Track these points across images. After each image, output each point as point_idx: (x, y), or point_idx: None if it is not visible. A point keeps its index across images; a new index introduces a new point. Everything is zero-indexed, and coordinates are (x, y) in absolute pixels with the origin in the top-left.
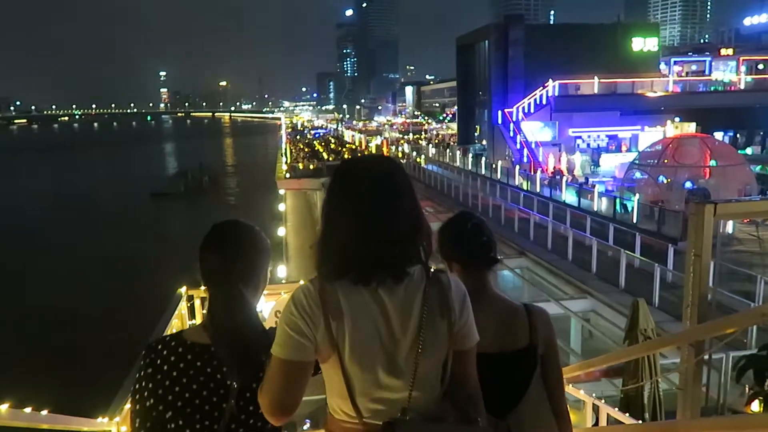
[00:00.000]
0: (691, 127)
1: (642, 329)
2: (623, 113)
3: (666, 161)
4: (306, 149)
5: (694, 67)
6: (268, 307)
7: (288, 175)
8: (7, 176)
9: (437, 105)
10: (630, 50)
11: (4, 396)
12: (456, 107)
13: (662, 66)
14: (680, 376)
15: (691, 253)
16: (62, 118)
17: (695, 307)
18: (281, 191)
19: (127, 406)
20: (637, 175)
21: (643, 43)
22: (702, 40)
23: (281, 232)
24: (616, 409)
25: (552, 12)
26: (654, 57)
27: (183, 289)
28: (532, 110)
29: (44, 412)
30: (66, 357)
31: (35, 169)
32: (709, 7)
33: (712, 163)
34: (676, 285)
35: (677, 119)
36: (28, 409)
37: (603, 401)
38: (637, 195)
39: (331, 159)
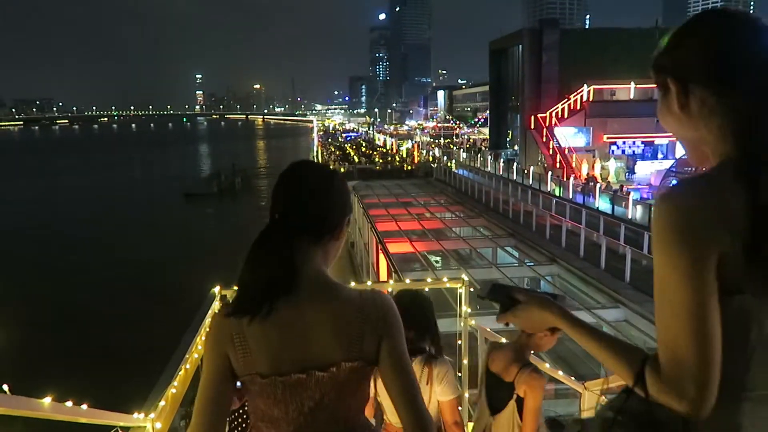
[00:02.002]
0: None
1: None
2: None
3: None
4: (337, 152)
5: None
6: None
7: None
8: (50, 174)
9: (469, 109)
10: None
11: (45, 390)
12: (488, 112)
13: None
14: None
15: None
16: (102, 119)
17: None
18: None
19: (162, 403)
20: (674, 182)
21: None
22: None
23: None
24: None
25: (587, 16)
26: None
27: (216, 289)
28: (565, 115)
29: (84, 407)
30: (102, 354)
31: (76, 167)
32: (751, 9)
33: None
34: None
35: None
36: (69, 403)
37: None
38: None
39: (362, 162)
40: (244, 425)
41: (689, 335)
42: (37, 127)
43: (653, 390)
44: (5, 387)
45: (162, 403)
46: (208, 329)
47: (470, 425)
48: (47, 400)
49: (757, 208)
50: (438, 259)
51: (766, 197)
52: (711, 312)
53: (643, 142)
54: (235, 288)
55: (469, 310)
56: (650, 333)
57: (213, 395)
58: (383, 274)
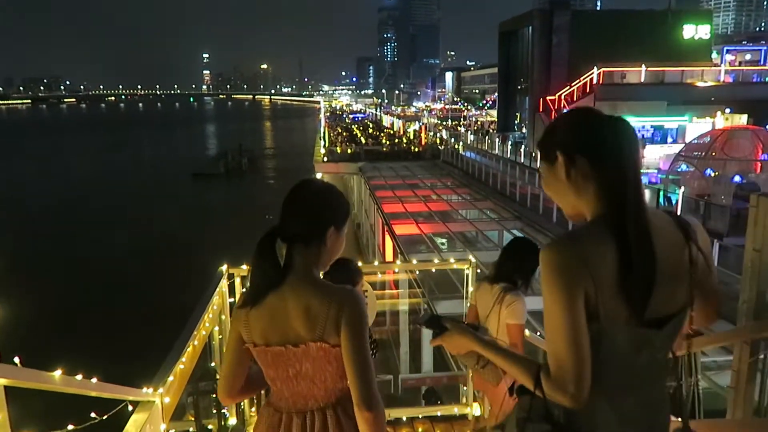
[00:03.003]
0: (742, 119)
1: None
2: (670, 103)
3: (714, 154)
4: (344, 133)
5: (748, 57)
6: None
7: (326, 159)
8: (58, 153)
9: (477, 91)
10: (680, 38)
11: (55, 364)
12: (496, 94)
13: (714, 55)
14: (732, 374)
15: (750, 248)
16: (109, 98)
17: (752, 304)
18: (318, 174)
19: (170, 378)
20: (683, 167)
21: (694, 31)
22: (758, 29)
23: None
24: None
25: None
26: (706, 45)
27: (224, 267)
28: (575, 98)
29: (93, 380)
30: (111, 331)
31: (84, 146)
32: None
33: (765, 157)
34: (721, 281)
35: (728, 110)
36: (78, 377)
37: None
38: (682, 188)
39: (369, 143)
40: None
41: (567, 349)
42: (45, 106)
43: (546, 390)
44: (16, 359)
45: (170, 378)
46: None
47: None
48: (57, 373)
49: (623, 248)
50: (444, 241)
51: (632, 237)
52: (581, 332)
53: (652, 126)
54: (243, 267)
55: None
56: None
57: (233, 358)
58: (389, 256)
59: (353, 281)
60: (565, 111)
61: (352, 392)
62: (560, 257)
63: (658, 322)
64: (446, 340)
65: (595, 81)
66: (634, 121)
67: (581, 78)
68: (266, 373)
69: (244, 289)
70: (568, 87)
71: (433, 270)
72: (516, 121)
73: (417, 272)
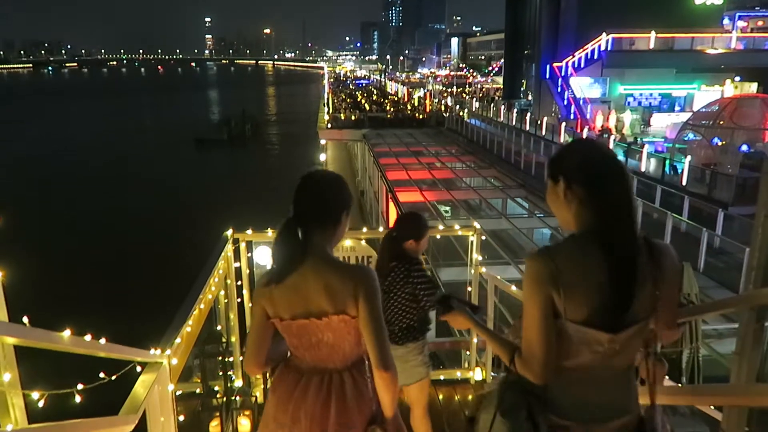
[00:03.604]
0: (752, 88)
1: (686, 294)
2: (679, 71)
3: (722, 122)
4: (348, 100)
5: (760, 23)
6: None
7: (329, 126)
8: (60, 119)
9: (483, 58)
10: (691, 4)
11: (63, 326)
12: (502, 60)
13: (726, 21)
14: (738, 340)
15: (761, 214)
16: (111, 63)
17: (760, 270)
18: (322, 141)
19: (177, 341)
20: (690, 135)
21: None
22: None
23: None
24: None
25: None
26: (717, 11)
27: (229, 232)
28: (582, 65)
29: (102, 341)
30: (117, 294)
31: (86, 112)
32: None
33: None
34: (724, 251)
35: (737, 78)
36: (87, 337)
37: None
38: (689, 157)
39: (373, 110)
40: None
41: (535, 338)
42: (47, 70)
43: (519, 368)
44: (25, 319)
45: (177, 340)
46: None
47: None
48: (66, 333)
49: (610, 260)
50: (448, 209)
51: (618, 252)
52: (548, 326)
53: (660, 94)
54: (248, 233)
55: (480, 258)
56: None
57: (258, 331)
58: (392, 223)
59: (419, 235)
60: (574, 140)
61: (370, 356)
62: (534, 268)
63: (614, 328)
64: (450, 317)
65: (603, 48)
66: (642, 89)
67: (588, 45)
68: (290, 341)
69: (250, 255)
70: (576, 54)
71: (438, 236)
72: (522, 88)
73: None
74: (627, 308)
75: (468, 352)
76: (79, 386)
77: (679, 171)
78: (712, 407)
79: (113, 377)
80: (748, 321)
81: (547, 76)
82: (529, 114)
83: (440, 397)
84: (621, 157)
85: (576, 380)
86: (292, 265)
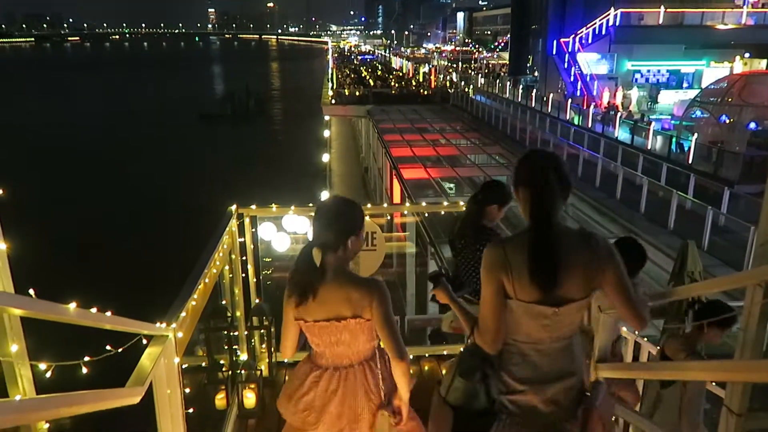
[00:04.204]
0: (762, 64)
1: (689, 272)
2: (688, 47)
3: (730, 100)
4: (352, 75)
5: None
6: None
7: (333, 101)
8: (63, 94)
9: (489, 33)
10: None
11: (69, 299)
12: (509, 36)
13: None
14: (743, 316)
15: None
16: (113, 37)
17: (767, 246)
18: (326, 117)
19: (183, 314)
20: (698, 113)
21: None
22: None
23: (325, 158)
24: (658, 347)
25: None
26: None
27: (233, 207)
28: (589, 41)
29: (108, 314)
30: (122, 269)
31: (88, 87)
32: None
33: None
34: (729, 230)
35: (747, 55)
36: (93, 310)
37: (645, 339)
38: (696, 134)
39: (377, 86)
40: None
41: (488, 314)
42: (49, 45)
43: (476, 339)
44: (31, 291)
45: (183, 314)
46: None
47: None
48: (72, 306)
49: (528, 249)
50: (452, 185)
51: (535, 243)
52: (498, 305)
53: (668, 71)
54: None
55: None
56: (661, 264)
57: (287, 327)
58: (396, 200)
59: (504, 201)
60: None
61: (387, 350)
62: (488, 257)
63: (555, 303)
64: (436, 291)
65: (611, 23)
66: (650, 66)
67: (596, 20)
68: (311, 340)
69: (255, 230)
70: (584, 29)
71: (442, 212)
72: (528, 64)
73: (425, 215)
74: (550, 287)
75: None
76: (86, 358)
77: (686, 149)
78: (714, 383)
79: (119, 350)
80: (754, 297)
81: (554, 52)
82: (535, 90)
83: (443, 372)
84: (627, 135)
85: (527, 350)
86: (313, 284)
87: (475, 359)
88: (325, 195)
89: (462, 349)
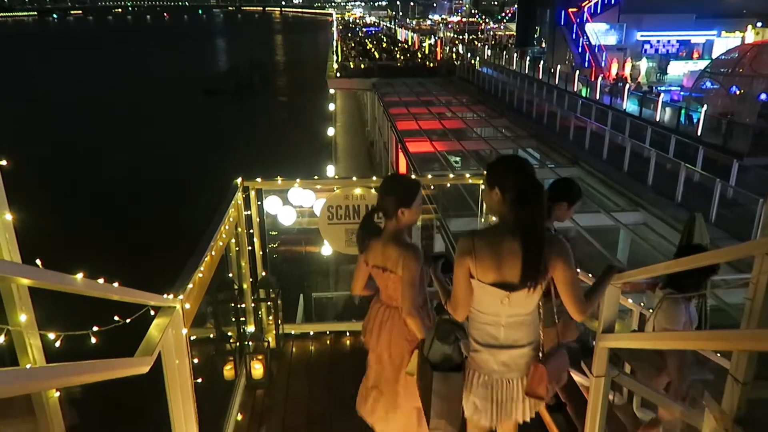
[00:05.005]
0: None
1: (696, 244)
2: (699, 16)
3: (741, 70)
4: (357, 48)
5: None
6: (319, 204)
7: (338, 75)
8: (67, 67)
9: (496, 3)
10: None
11: (76, 269)
12: (516, 6)
13: None
14: (750, 286)
15: None
16: (116, 10)
17: None
18: (331, 91)
19: (190, 286)
20: (708, 84)
21: None
22: None
23: (330, 132)
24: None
25: None
26: None
27: (239, 180)
28: (598, 10)
29: (115, 284)
30: (126, 243)
31: (92, 60)
32: None
33: None
34: (737, 202)
35: (759, 24)
36: (101, 281)
37: (650, 311)
38: (705, 106)
39: (383, 58)
40: None
41: (456, 291)
42: (51, 18)
43: (449, 309)
44: (38, 261)
45: (190, 286)
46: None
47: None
48: (79, 276)
49: (524, 245)
50: (458, 159)
51: (529, 241)
52: (465, 283)
53: (678, 41)
54: (258, 180)
55: None
56: (668, 236)
57: (358, 268)
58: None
59: (573, 198)
60: (507, 158)
61: (401, 305)
62: (460, 244)
63: (509, 289)
64: (432, 269)
65: None
66: (660, 36)
67: None
68: (376, 280)
69: (261, 203)
70: None
71: (448, 185)
72: (536, 36)
73: (431, 187)
74: (533, 277)
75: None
76: (95, 328)
77: (695, 121)
78: (718, 354)
79: (128, 320)
80: (761, 266)
81: (562, 23)
82: (542, 62)
83: None
84: (635, 107)
85: (488, 320)
86: (369, 239)
87: (450, 326)
88: (330, 169)
89: (439, 319)
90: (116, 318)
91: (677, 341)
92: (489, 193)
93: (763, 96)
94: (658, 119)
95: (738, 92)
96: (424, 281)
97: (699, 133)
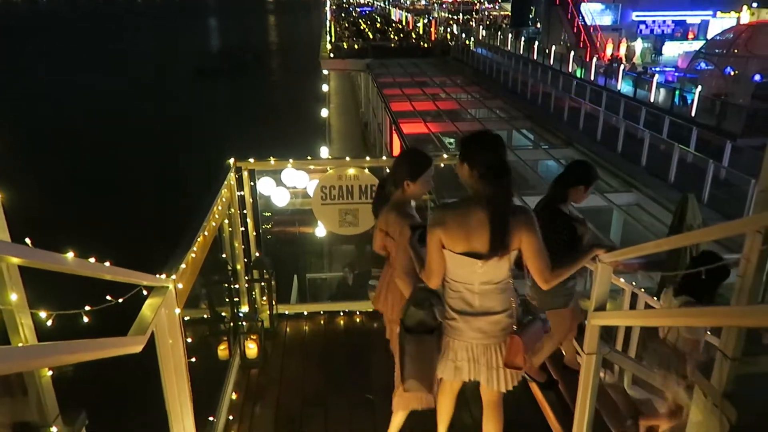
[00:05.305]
0: None
1: (689, 225)
2: None
3: (736, 51)
4: (351, 28)
5: None
6: (313, 184)
7: (332, 55)
8: (57, 46)
9: None
10: None
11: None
12: None
13: None
14: (741, 263)
15: None
16: None
17: None
18: (325, 71)
19: (183, 266)
20: (702, 65)
21: None
22: None
23: (324, 113)
24: (655, 299)
25: None
26: None
27: (231, 161)
28: None
29: (107, 264)
30: (118, 223)
31: (83, 40)
32: None
33: None
34: (730, 183)
35: (754, 5)
36: (92, 260)
37: (642, 290)
38: (699, 87)
39: (377, 39)
40: None
41: (430, 259)
42: None
43: (423, 277)
44: (27, 240)
45: (183, 266)
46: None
47: None
48: (70, 255)
49: (491, 217)
50: (452, 140)
51: (496, 213)
52: (437, 253)
53: (673, 21)
54: (251, 161)
55: None
56: (661, 217)
57: (376, 232)
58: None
59: (590, 180)
60: (477, 135)
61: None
62: (431, 218)
63: (478, 257)
64: (408, 240)
65: None
66: (655, 16)
67: None
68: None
69: (254, 183)
70: None
71: (442, 165)
72: (531, 16)
73: None
74: (499, 246)
75: None
76: (87, 308)
77: (689, 101)
78: (708, 332)
79: (120, 300)
80: (753, 243)
81: (557, 3)
82: (537, 43)
83: None
84: (630, 88)
85: (461, 289)
86: (377, 208)
87: (425, 293)
88: (324, 150)
89: (415, 287)
90: (108, 298)
91: (668, 318)
92: (460, 166)
93: (757, 77)
94: (652, 100)
95: (732, 73)
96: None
97: (693, 114)
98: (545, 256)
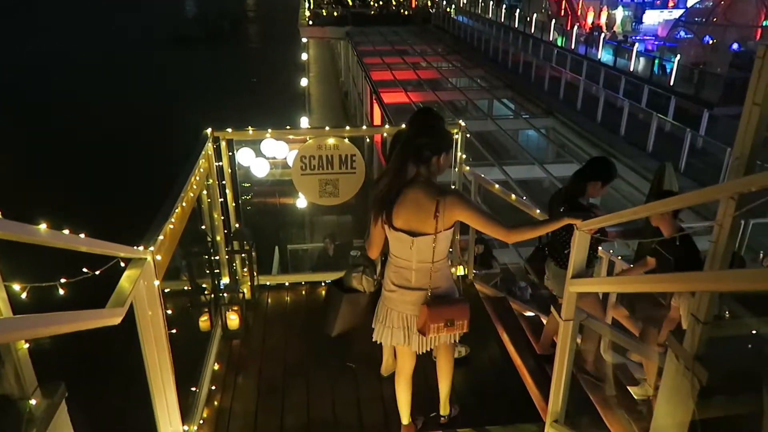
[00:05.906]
0: None
1: (666, 190)
2: None
3: (715, 19)
4: None
5: None
6: (292, 154)
7: (311, 23)
8: (32, 17)
9: None
10: None
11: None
12: None
13: None
14: (715, 228)
15: (750, 102)
16: None
17: (744, 160)
18: (304, 39)
19: (161, 237)
20: (682, 33)
21: None
22: None
23: (304, 82)
24: (632, 266)
25: None
26: None
27: (209, 131)
28: None
29: (82, 236)
30: (93, 193)
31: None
32: None
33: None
34: (707, 152)
35: None
36: (66, 231)
37: (620, 258)
38: (678, 56)
39: (356, 6)
40: None
41: (370, 234)
42: None
43: (366, 246)
44: None
45: (161, 237)
46: None
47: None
48: (43, 227)
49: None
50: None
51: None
52: (378, 228)
53: None
54: (228, 131)
55: (464, 157)
56: (639, 186)
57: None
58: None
59: (607, 179)
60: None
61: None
62: (375, 194)
63: (412, 234)
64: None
65: None
66: None
67: None
68: None
69: (232, 153)
70: None
71: None
72: None
73: None
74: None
75: (451, 250)
76: (62, 280)
77: (668, 71)
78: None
79: (97, 272)
80: (726, 209)
81: None
82: (518, 11)
83: None
84: (610, 57)
85: (401, 264)
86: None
87: (363, 260)
88: (304, 120)
89: (356, 253)
90: (85, 270)
91: (644, 284)
92: (437, 159)
93: (735, 45)
94: (632, 69)
95: (711, 42)
96: None
97: (672, 83)
98: (491, 220)
